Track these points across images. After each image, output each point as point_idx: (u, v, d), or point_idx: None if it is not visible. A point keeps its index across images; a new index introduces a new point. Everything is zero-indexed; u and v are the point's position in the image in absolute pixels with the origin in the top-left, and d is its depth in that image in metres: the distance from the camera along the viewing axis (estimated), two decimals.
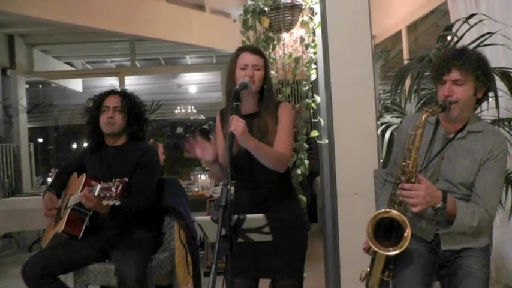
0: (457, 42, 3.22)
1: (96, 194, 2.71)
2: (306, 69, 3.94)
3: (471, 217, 2.24)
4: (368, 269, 2.45)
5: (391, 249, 2.23)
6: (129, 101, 3.26)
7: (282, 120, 2.53)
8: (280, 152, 2.48)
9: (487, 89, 2.36)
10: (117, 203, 2.69)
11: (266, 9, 3.85)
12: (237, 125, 2.22)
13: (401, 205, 2.27)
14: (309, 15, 3.92)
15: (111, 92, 3.30)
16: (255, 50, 2.58)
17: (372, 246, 2.26)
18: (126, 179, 2.74)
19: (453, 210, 2.23)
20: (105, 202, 2.71)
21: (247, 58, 2.51)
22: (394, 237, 2.24)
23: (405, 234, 2.19)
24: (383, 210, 2.29)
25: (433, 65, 2.40)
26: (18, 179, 8.08)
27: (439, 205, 2.21)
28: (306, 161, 3.96)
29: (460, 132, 2.36)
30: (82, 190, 2.93)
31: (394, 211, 2.26)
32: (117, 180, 2.71)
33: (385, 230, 2.27)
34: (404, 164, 2.25)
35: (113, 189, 2.68)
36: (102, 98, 3.26)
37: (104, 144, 3.27)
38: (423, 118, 2.25)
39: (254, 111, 2.56)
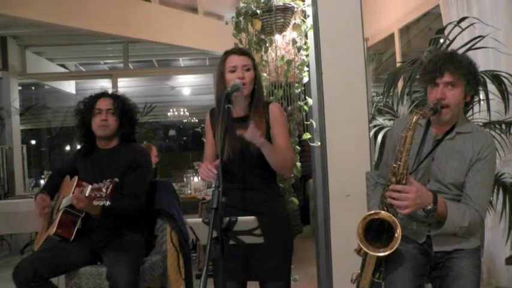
0: (449, 45, 3.23)
1: (87, 194, 2.71)
2: (298, 71, 3.95)
3: (462, 218, 2.26)
4: (359, 271, 2.46)
5: (381, 250, 2.24)
6: (121, 103, 3.26)
7: (278, 122, 2.54)
8: (289, 154, 2.52)
9: (474, 92, 2.40)
10: (108, 203, 2.68)
11: (258, 11, 3.86)
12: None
13: (392, 207, 2.28)
14: (301, 17, 3.93)
15: (103, 95, 3.29)
16: (242, 52, 2.59)
17: (363, 247, 2.27)
18: (117, 179, 2.73)
19: (444, 211, 2.25)
20: (95, 202, 2.70)
21: (235, 60, 2.52)
22: (385, 238, 2.25)
23: (395, 235, 2.21)
24: (373, 211, 2.30)
25: (423, 68, 2.41)
26: (11, 181, 8.04)
27: (429, 207, 2.22)
28: (299, 163, 3.97)
29: (449, 134, 2.38)
30: (74, 192, 2.92)
31: (383, 212, 2.27)
32: (107, 180, 2.71)
33: (375, 232, 2.28)
34: (395, 165, 2.27)
35: (104, 190, 2.67)
36: (94, 100, 3.24)
37: (96, 147, 3.26)
38: (414, 120, 2.27)
39: (245, 115, 2.57)
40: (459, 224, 2.26)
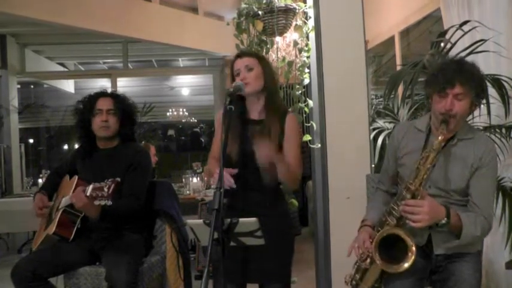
0: (450, 48, 3.23)
1: (88, 194, 2.69)
2: (299, 73, 3.95)
3: (474, 227, 2.26)
4: (354, 274, 2.46)
5: (394, 266, 2.26)
6: (121, 103, 3.25)
7: (292, 134, 2.56)
8: (299, 169, 2.56)
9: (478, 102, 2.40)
10: (109, 203, 2.66)
11: (260, 12, 3.85)
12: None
13: (401, 219, 2.28)
14: (303, 19, 3.93)
15: (102, 94, 3.26)
16: (244, 53, 2.64)
17: (377, 262, 2.29)
18: (118, 179, 2.71)
19: (457, 224, 2.24)
20: (97, 202, 2.67)
21: (238, 63, 2.57)
22: (394, 250, 2.27)
23: (409, 254, 2.23)
24: (395, 229, 2.30)
25: (432, 75, 2.38)
26: (9, 180, 8.02)
27: (443, 221, 2.22)
28: None
29: (451, 140, 2.38)
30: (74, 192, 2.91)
31: (403, 232, 2.27)
32: (109, 180, 2.68)
33: (385, 243, 2.30)
34: (411, 182, 2.26)
35: (105, 189, 2.65)
36: (94, 100, 3.21)
37: (95, 147, 3.24)
38: (438, 142, 2.25)
39: (260, 118, 2.58)
40: (473, 233, 2.26)
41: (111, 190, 2.65)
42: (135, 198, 3.09)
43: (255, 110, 2.60)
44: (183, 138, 12.64)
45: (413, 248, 2.23)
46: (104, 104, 3.19)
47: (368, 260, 2.36)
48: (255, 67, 2.55)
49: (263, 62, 2.61)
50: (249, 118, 2.58)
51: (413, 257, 2.22)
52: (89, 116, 3.19)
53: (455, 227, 2.25)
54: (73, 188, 2.99)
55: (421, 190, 2.25)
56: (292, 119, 2.60)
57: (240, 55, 2.62)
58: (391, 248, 2.29)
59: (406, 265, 2.23)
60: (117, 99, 3.26)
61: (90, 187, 2.70)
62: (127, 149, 3.21)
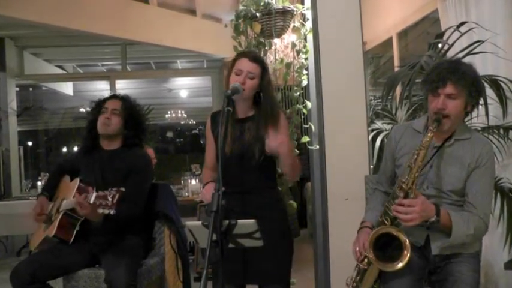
0: (448, 49, 3.24)
1: (91, 201, 2.70)
2: (297, 74, 3.96)
3: (466, 226, 2.26)
4: (355, 276, 2.47)
5: (389, 265, 2.27)
6: (129, 106, 3.30)
7: (283, 131, 2.56)
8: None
9: (475, 103, 2.40)
10: (113, 212, 2.68)
11: (258, 14, 3.86)
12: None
13: (396, 219, 2.29)
14: (301, 21, 3.93)
15: (113, 96, 3.37)
16: (253, 58, 2.55)
17: (373, 261, 2.31)
18: (123, 189, 2.73)
19: (447, 223, 2.25)
20: (100, 210, 2.69)
21: (244, 64, 2.50)
22: (390, 249, 2.28)
23: (405, 252, 2.24)
24: (386, 230, 2.31)
25: (427, 75, 2.40)
26: (7, 182, 8.00)
27: (433, 219, 2.22)
28: None
29: (448, 141, 2.38)
30: (75, 196, 2.94)
31: (395, 230, 2.28)
32: (113, 189, 2.70)
33: (381, 242, 2.30)
34: (403, 180, 2.27)
35: (109, 198, 2.67)
36: (104, 100, 3.31)
37: (98, 147, 3.26)
38: (428, 139, 2.26)
39: (248, 115, 2.58)
40: (465, 232, 2.26)
41: (115, 200, 2.67)
42: (134, 204, 3.09)
43: (242, 109, 2.59)
44: (181, 140, 12.64)
45: (408, 244, 2.23)
46: (110, 104, 3.27)
47: (366, 260, 2.37)
48: (257, 77, 2.51)
49: (265, 72, 2.57)
50: (238, 118, 2.57)
51: (408, 255, 2.23)
52: (96, 116, 3.25)
53: (446, 225, 2.26)
54: (74, 192, 3.00)
55: (414, 189, 2.26)
56: (283, 117, 2.61)
57: (249, 57, 2.55)
58: (389, 248, 2.29)
59: (401, 264, 2.24)
60: (126, 102, 3.33)
61: (94, 195, 2.71)
62: (128, 154, 3.22)
